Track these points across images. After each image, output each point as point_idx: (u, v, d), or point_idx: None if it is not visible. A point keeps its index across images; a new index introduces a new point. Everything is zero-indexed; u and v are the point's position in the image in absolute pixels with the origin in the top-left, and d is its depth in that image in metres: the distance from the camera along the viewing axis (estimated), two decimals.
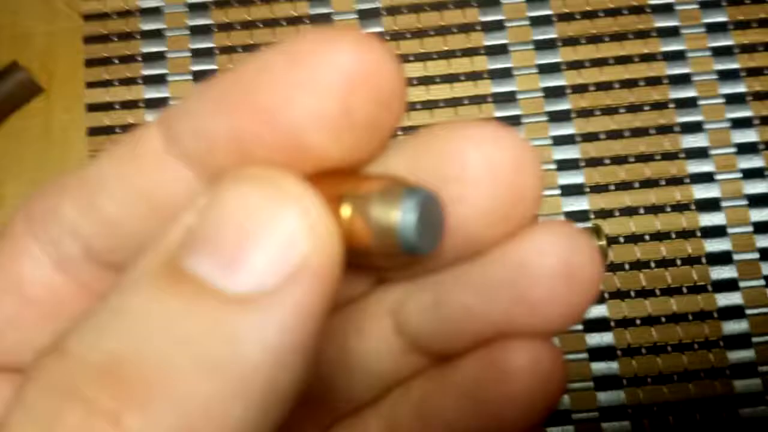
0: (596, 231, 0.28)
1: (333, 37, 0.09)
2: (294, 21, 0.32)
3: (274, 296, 0.08)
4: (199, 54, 0.31)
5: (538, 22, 0.32)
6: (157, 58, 0.31)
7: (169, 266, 0.08)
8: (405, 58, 0.31)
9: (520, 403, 0.10)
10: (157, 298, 0.08)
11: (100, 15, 0.31)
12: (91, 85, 0.31)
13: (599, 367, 0.28)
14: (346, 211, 0.09)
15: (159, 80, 0.31)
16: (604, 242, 0.27)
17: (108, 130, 0.30)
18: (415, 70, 0.31)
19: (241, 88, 0.09)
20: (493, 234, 0.10)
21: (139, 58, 0.31)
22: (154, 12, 0.32)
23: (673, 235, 0.29)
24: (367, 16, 0.32)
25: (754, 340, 0.28)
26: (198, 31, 0.32)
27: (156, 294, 0.08)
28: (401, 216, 0.09)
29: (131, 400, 0.08)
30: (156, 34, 0.31)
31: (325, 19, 0.32)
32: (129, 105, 0.30)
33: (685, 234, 0.29)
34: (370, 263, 0.10)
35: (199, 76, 0.31)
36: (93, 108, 0.30)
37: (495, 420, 0.10)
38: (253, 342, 0.08)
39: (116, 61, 0.31)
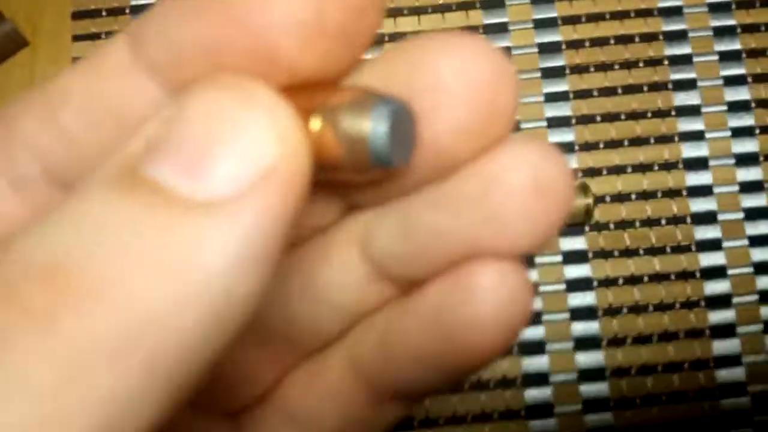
0: (583, 188, 0.28)
1: None
2: None
3: (239, 202, 0.08)
4: None
5: None
6: (146, 10, 0.30)
7: (126, 172, 0.08)
8: (399, 11, 0.31)
9: (485, 326, 0.10)
10: (111, 203, 0.08)
11: None
12: (77, 38, 0.30)
13: (580, 327, 0.28)
14: (316, 123, 0.09)
15: None
16: (590, 200, 0.27)
17: None
18: (409, 24, 0.31)
19: None
20: (466, 149, 0.10)
21: (128, 11, 0.30)
22: None
23: (659, 195, 0.29)
24: None
25: (735, 300, 0.28)
26: None
27: (110, 198, 0.08)
28: (372, 125, 0.09)
29: (69, 302, 0.07)
30: None
31: None
32: None
33: (671, 193, 0.29)
34: (340, 179, 0.10)
35: None
36: None
37: (459, 344, 0.10)
38: (213, 248, 0.08)
39: (104, 14, 0.30)
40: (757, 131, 0.30)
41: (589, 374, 0.28)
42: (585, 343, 0.28)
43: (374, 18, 0.09)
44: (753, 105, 0.30)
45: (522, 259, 0.10)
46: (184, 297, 0.07)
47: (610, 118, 0.30)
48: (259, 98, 0.08)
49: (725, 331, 0.28)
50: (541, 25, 0.30)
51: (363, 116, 0.09)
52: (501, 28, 0.30)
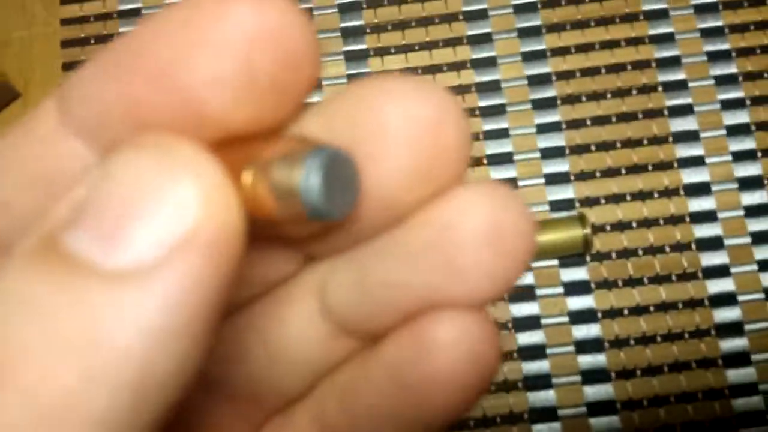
0: (581, 219, 0.27)
1: None
2: None
3: (155, 271, 0.07)
4: None
5: (522, 9, 0.31)
6: None
7: (46, 243, 0.08)
8: (387, 50, 0.31)
9: (445, 383, 0.09)
10: (26, 276, 0.08)
11: (78, 19, 0.31)
12: None
13: (586, 360, 0.27)
14: (247, 176, 0.08)
15: None
16: (588, 231, 0.27)
17: None
18: (398, 62, 0.31)
19: (134, 51, 0.08)
20: (417, 195, 0.09)
21: None
22: (132, 14, 0.32)
23: (662, 222, 0.28)
24: (347, 9, 0.31)
25: (747, 327, 0.27)
26: None
27: (26, 272, 0.08)
28: (303, 176, 0.08)
29: None
30: None
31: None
32: None
33: (674, 220, 0.28)
34: (283, 233, 0.10)
35: None
36: None
37: (421, 402, 0.10)
38: (126, 322, 0.07)
39: None
40: (759, 154, 0.29)
41: (598, 408, 0.27)
42: (593, 376, 0.27)
43: (310, 68, 0.09)
44: (753, 128, 0.30)
45: (485, 307, 0.10)
46: (96, 376, 0.07)
47: (605, 146, 0.29)
48: (182, 156, 0.08)
49: (739, 359, 0.27)
50: (530, 57, 0.30)
51: (294, 167, 0.08)
52: (489, 62, 0.30)
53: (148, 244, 0.07)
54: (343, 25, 0.31)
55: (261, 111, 0.09)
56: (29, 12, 0.32)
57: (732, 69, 0.30)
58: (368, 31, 0.31)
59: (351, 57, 0.31)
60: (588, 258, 0.28)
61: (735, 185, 0.29)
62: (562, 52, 0.30)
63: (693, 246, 0.28)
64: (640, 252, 0.28)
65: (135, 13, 0.32)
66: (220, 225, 0.08)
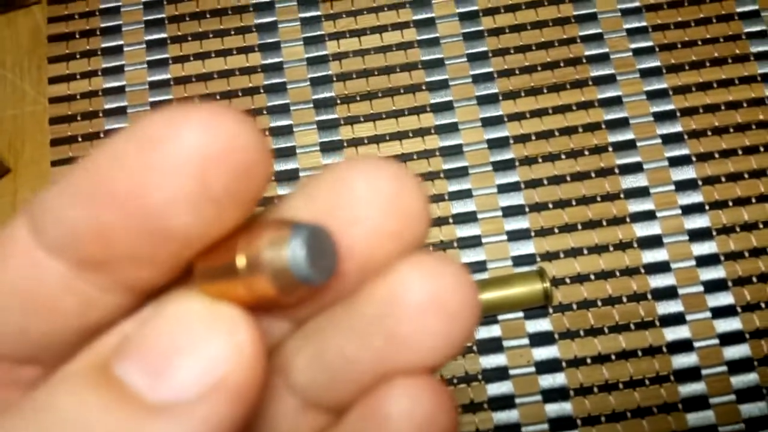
0: (540, 274, 0.29)
1: (183, 114, 0.09)
2: (250, 91, 0.34)
3: (187, 407, 0.09)
4: None
5: (480, 79, 0.33)
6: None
7: (98, 369, 0.09)
8: (356, 119, 0.33)
9: None
10: (81, 398, 0.09)
11: (66, 97, 0.33)
12: (55, 163, 0.32)
13: (553, 408, 0.28)
14: (241, 264, 0.10)
15: None
16: (548, 284, 0.28)
17: None
18: (366, 129, 0.33)
19: (95, 177, 0.09)
20: (386, 255, 0.10)
21: (103, 135, 0.33)
22: (117, 91, 0.34)
23: (618, 273, 0.30)
24: (319, 82, 0.34)
25: (704, 372, 0.29)
26: (159, 107, 0.33)
27: (81, 393, 0.09)
28: (291, 253, 0.09)
29: None
30: (119, 111, 0.33)
31: (280, 87, 0.34)
32: None
33: (629, 271, 0.30)
34: (279, 305, 0.11)
35: None
36: None
37: None
38: None
39: (80, 139, 0.33)
40: (707, 207, 0.31)
41: None
42: (560, 423, 0.28)
43: (263, 175, 0.09)
44: (700, 182, 0.32)
45: (436, 371, 0.11)
46: None
47: (562, 204, 0.31)
48: (222, 313, 0.09)
49: (698, 403, 0.28)
50: (488, 123, 0.33)
51: (281, 246, 0.09)
52: (451, 128, 0.33)
53: (187, 384, 0.09)
54: (315, 97, 0.33)
55: (219, 220, 0.09)
56: (19, 91, 0.34)
57: (677, 128, 0.32)
58: (338, 102, 0.33)
59: (323, 126, 0.33)
60: (551, 310, 0.29)
61: (686, 237, 0.31)
62: (517, 117, 0.33)
63: (649, 296, 0.30)
64: (599, 303, 0.30)
65: (119, 90, 0.34)
66: (247, 375, 0.09)
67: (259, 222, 0.10)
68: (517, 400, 0.29)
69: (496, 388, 0.29)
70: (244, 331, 0.09)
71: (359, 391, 0.10)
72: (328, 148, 0.33)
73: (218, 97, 0.34)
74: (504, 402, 0.29)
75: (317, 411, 0.11)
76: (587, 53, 0.34)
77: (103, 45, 0.35)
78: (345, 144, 0.33)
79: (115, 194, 0.09)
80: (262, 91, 0.34)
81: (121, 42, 0.35)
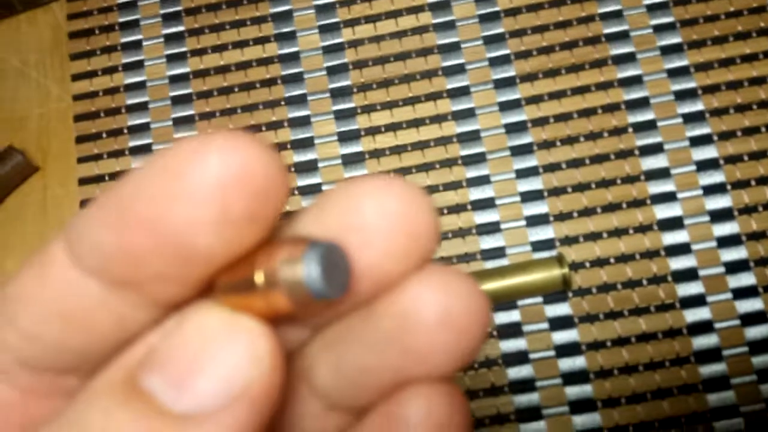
0: (559, 260, 0.29)
1: (204, 143, 0.09)
2: (267, 82, 0.34)
3: (210, 417, 0.09)
4: (180, 122, 0.34)
5: (496, 62, 0.33)
6: (142, 129, 0.34)
7: (126, 381, 0.10)
8: (373, 107, 0.33)
9: None
10: (110, 411, 0.09)
11: (89, 94, 0.34)
12: (81, 160, 0.33)
13: (573, 391, 0.29)
14: (260, 281, 0.10)
15: (145, 150, 0.33)
16: (566, 270, 0.28)
17: None
18: (383, 117, 0.33)
19: (123, 203, 0.10)
20: (398, 271, 0.11)
21: (126, 131, 0.34)
22: (138, 86, 0.34)
23: (638, 256, 0.30)
24: (335, 71, 0.34)
25: (725, 353, 0.29)
26: (179, 101, 0.34)
27: (110, 407, 0.09)
28: (306, 270, 0.10)
29: None
30: (141, 107, 0.34)
31: (297, 77, 0.34)
32: (118, 176, 0.33)
33: (650, 254, 0.30)
34: (295, 318, 0.11)
35: None
36: (84, 181, 0.33)
37: None
38: None
39: (105, 136, 0.34)
40: (729, 187, 0.31)
41: None
42: (580, 405, 0.29)
43: (280, 196, 0.10)
44: (722, 162, 0.31)
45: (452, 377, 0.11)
46: None
47: (581, 188, 0.31)
48: (243, 323, 0.10)
49: (719, 384, 0.28)
50: (505, 107, 0.32)
51: (297, 264, 0.10)
52: (468, 113, 0.32)
53: (209, 393, 0.10)
54: (331, 86, 0.34)
55: (238, 239, 0.10)
56: (44, 89, 0.35)
57: (699, 106, 0.32)
58: (355, 90, 0.33)
59: (340, 116, 0.33)
60: (570, 294, 0.30)
61: (707, 218, 0.30)
62: (535, 100, 0.32)
63: (669, 278, 0.30)
64: (619, 286, 0.30)
65: (140, 86, 0.34)
66: (267, 384, 0.10)
67: (277, 239, 0.11)
68: (538, 384, 0.29)
69: (516, 372, 0.29)
70: (263, 341, 0.10)
71: (379, 395, 0.11)
72: (345, 137, 0.33)
73: (236, 89, 0.34)
74: (524, 385, 0.29)
75: (341, 412, 0.12)
76: (606, 31, 0.33)
77: (123, 40, 0.35)
78: (362, 133, 0.33)
79: (142, 220, 0.09)
80: (279, 81, 0.34)
81: (140, 36, 0.35)
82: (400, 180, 0.11)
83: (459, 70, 0.33)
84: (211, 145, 0.09)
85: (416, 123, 0.33)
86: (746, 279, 0.29)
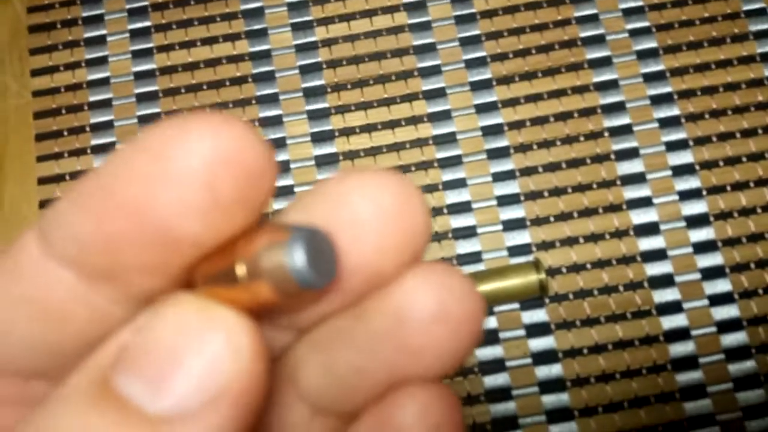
0: (536, 265, 0.28)
1: (189, 123, 0.09)
2: (238, 80, 0.33)
3: (190, 419, 0.09)
4: (145, 120, 0.32)
5: (472, 64, 0.33)
6: (105, 127, 0.32)
7: (99, 384, 0.09)
8: (347, 108, 0.32)
9: None
10: (83, 415, 0.09)
11: (49, 90, 0.33)
12: (41, 158, 0.32)
13: (550, 399, 0.28)
14: (241, 269, 0.09)
15: (108, 148, 0.32)
16: (543, 275, 0.28)
17: None
18: (358, 118, 0.32)
19: (103, 188, 0.09)
20: (389, 265, 0.10)
21: (88, 129, 0.32)
22: (101, 83, 0.33)
23: (614, 262, 0.30)
24: (308, 70, 0.33)
25: (701, 360, 0.28)
26: (145, 98, 0.33)
27: (83, 413, 0.09)
28: (290, 256, 0.09)
29: None
30: (104, 104, 0.33)
31: (268, 76, 0.33)
32: (79, 175, 0.31)
33: (626, 260, 0.30)
34: (280, 310, 0.11)
35: None
36: (44, 181, 0.31)
37: None
38: None
39: (66, 133, 0.32)
40: (705, 192, 0.31)
41: None
42: (557, 415, 0.28)
43: (268, 182, 0.09)
44: (697, 167, 0.31)
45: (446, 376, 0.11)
46: None
47: (557, 192, 0.31)
48: (219, 314, 0.09)
49: (696, 392, 0.28)
50: (482, 109, 0.32)
51: (280, 250, 0.09)
52: (445, 116, 0.32)
53: (188, 393, 0.09)
54: (304, 85, 0.33)
55: (226, 225, 0.09)
56: (1, 85, 0.33)
57: (675, 111, 0.32)
58: (329, 90, 0.33)
59: (313, 116, 0.32)
60: (547, 300, 0.29)
61: (683, 223, 0.30)
62: (512, 103, 0.32)
63: (645, 284, 0.29)
64: (596, 292, 0.29)
65: (104, 82, 0.33)
66: (249, 379, 0.09)
67: (258, 227, 0.10)
68: (514, 392, 0.28)
69: (492, 380, 0.29)
70: (242, 333, 0.09)
71: (370, 398, 0.11)
72: (318, 138, 0.32)
73: (205, 87, 0.33)
74: (501, 394, 0.29)
75: (328, 416, 0.11)
76: (582, 35, 0.33)
77: (86, 35, 0.34)
78: (336, 134, 0.32)
79: (123, 205, 0.09)
80: (250, 80, 0.33)
81: (104, 32, 0.34)
82: (393, 174, 0.10)
83: (435, 71, 0.33)
84: (197, 124, 0.09)
85: (391, 124, 0.32)
86: (722, 285, 0.29)
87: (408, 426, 0.10)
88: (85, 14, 0.34)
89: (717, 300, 0.29)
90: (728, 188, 0.31)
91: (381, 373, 0.10)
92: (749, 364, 0.28)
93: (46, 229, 0.10)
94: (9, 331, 0.10)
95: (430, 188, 0.31)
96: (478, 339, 0.10)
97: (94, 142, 0.32)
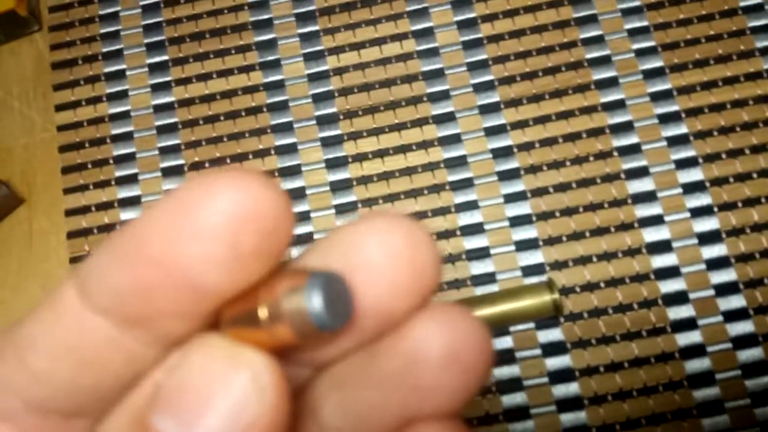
0: (549, 285, 0.29)
1: (214, 181, 0.10)
2: (253, 110, 0.34)
3: None
4: (166, 151, 0.33)
5: (481, 88, 0.33)
6: (128, 159, 0.33)
7: (137, 423, 0.10)
8: (359, 134, 0.33)
9: None
10: None
11: (73, 124, 0.34)
12: (67, 191, 0.33)
13: (568, 418, 0.28)
14: (263, 314, 0.10)
15: (131, 180, 0.33)
16: (557, 295, 0.28)
17: (86, 232, 0.32)
18: (370, 144, 0.33)
19: (135, 241, 0.10)
20: (401, 306, 0.11)
21: (111, 161, 0.33)
22: (122, 116, 0.34)
23: (628, 280, 0.30)
24: (321, 98, 0.34)
25: (718, 377, 0.28)
26: (164, 130, 0.34)
27: None
28: (308, 300, 0.10)
29: None
30: (126, 137, 0.34)
31: (282, 105, 0.34)
32: (104, 206, 0.33)
33: (639, 278, 0.30)
34: (299, 349, 0.12)
35: (168, 172, 0.33)
36: (70, 213, 0.32)
37: None
38: None
39: (90, 166, 0.33)
40: (716, 209, 0.31)
41: None
42: None
43: (287, 232, 0.10)
44: (708, 184, 0.31)
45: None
46: None
47: (569, 212, 0.31)
48: (244, 355, 0.10)
49: (713, 408, 0.28)
50: (491, 132, 0.32)
51: (300, 295, 0.10)
52: (455, 139, 0.32)
53: (218, 430, 0.09)
54: (317, 113, 0.34)
55: (248, 275, 0.10)
56: (28, 120, 0.34)
57: (683, 129, 0.32)
58: (341, 117, 0.33)
59: (327, 143, 0.33)
60: (562, 319, 0.29)
61: (695, 240, 0.30)
62: (520, 125, 0.32)
63: (660, 302, 0.30)
64: (610, 311, 0.30)
65: (125, 116, 0.34)
66: (273, 415, 0.10)
67: (278, 272, 0.11)
68: (532, 411, 0.29)
69: (510, 400, 0.29)
70: (266, 371, 0.10)
71: None
72: (332, 164, 0.33)
73: (222, 118, 0.34)
74: (519, 413, 0.29)
75: None
76: (588, 56, 0.34)
77: (106, 70, 0.35)
78: (350, 159, 0.33)
79: (152, 256, 0.10)
80: (265, 110, 0.34)
81: (123, 66, 0.35)
82: (403, 217, 0.11)
83: (444, 96, 0.33)
84: (220, 183, 0.10)
85: (403, 149, 0.33)
86: (736, 301, 0.29)
87: None
88: (105, 50, 0.35)
89: (731, 316, 0.29)
90: (739, 204, 0.31)
91: (395, 411, 0.11)
92: (766, 380, 0.28)
93: (82, 279, 0.10)
94: (51, 376, 0.11)
95: (442, 211, 0.32)
96: (487, 376, 0.11)
97: (118, 173, 0.33)
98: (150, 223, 0.10)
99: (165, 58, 0.35)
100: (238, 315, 0.10)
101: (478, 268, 0.31)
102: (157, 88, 0.34)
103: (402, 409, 0.11)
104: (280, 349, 0.10)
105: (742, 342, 0.29)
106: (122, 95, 0.34)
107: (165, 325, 0.10)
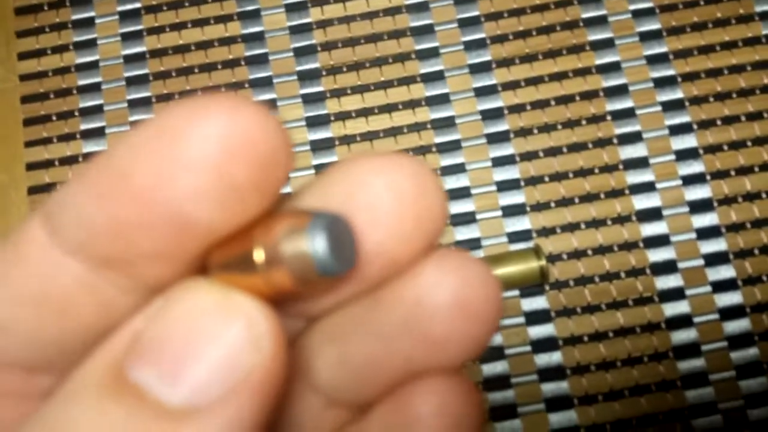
0: (536, 252, 0.28)
1: (203, 105, 0.08)
2: (230, 63, 0.32)
3: (210, 412, 0.08)
4: (136, 104, 0.31)
5: (471, 46, 0.32)
6: (95, 111, 0.31)
7: (112, 374, 0.09)
8: (343, 92, 0.32)
9: None
10: (98, 407, 0.08)
11: (37, 74, 0.32)
12: (29, 144, 0.31)
13: (549, 387, 0.28)
14: (259, 257, 0.09)
15: (98, 134, 0.31)
16: (544, 262, 0.27)
17: (49, 188, 0.30)
18: (354, 102, 0.31)
19: (114, 172, 0.09)
20: (406, 251, 0.10)
21: (77, 113, 0.31)
22: (90, 66, 0.32)
23: (616, 248, 0.29)
24: (303, 53, 0.32)
25: (704, 348, 0.28)
26: (135, 82, 0.32)
27: (97, 402, 0.08)
28: (311, 242, 0.09)
29: None
30: (93, 88, 0.32)
31: (262, 58, 0.32)
32: (69, 161, 0.31)
33: (628, 246, 0.29)
34: (296, 297, 0.10)
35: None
36: (32, 167, 0.31)
37: None
38: None
39: (54, 118, 0.31)
40: (708, 177, 0.30)
41: None
42: (556, 403, 0.28)
43: (285, 165, 0.09)
44: (701, 152, 0.30)
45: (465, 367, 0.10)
46: None
47: (558, 177, 0.30)
48: (238, 300, 0.09)
49: (697, 380, 0.28)
50: (481, 93, 0.31)
51: (301, 236, 0.09)
52: (443, 99, 0.31)
53: (206, 383, 0.08)
54: (299, 68, 0.32)
55: (241, 210, 0.09)
56: None
57: (678, 94, 0.31)
58: (324, 73, 0.32)
59: (308, 99, 0.32)
60: (547, 287, 0.29)
61: (686, 209, 0.30)
62: (512, 86, 0.31)
63: (648, 271, 0.29)
64: (597, 279, 0.29)
65: (93, 65, 0.32)
66: (270, 369, 0.09)
67: (275, 212, 0.10)
68: (513, 380, 0.28)
69: (491, 368, 0.28)
70: (262, 321, 0.09)
71: (386, 390, 0.11)
72: (314, 122, 0.31)
73: (196, 70, 0.32)
74: (499, 382, 0.28)
75: (340, 407, 0.11)
76: (584, 16, 0.32)
77: (74, 17, 0.33)
78: (332, 118, 0.31)
79: (135, 189, 0.08)
80: (243, 63, 0.32)
81: (92, 13, 0.33)
82: (409, 157, 0.10)
83: (433, 53, 0.32)
84: (212, 107, 0.08)
85: (389, 108, 0.31)
86: (726, 272, 0.29)
87: (426, 418, 0.10)
88: None
89: (720, 286, 0.29)
90: (732, 173, 0.30)
91: (397, 364, 0.10)
92: (752, 352, 0.28)
93: (52, 214, 0.09)
94: (11, 323, 0.10)
95: None
96: (497, 327, 0.10)
97: (84, 126, 0.31)
98: (130, 151, 0.09)
99: (137, 5, 0.33)
100: (230, 258, 0.09)
101: (464, 233, 0.30)
102: (127, 37, 0.32)
103: (404, 361, 0.10)
104: (274, 297, 0.09)
105: (730, 313, 0.28)
106: (90, 44, 0.32)
107: (145, 268, 0.09)
